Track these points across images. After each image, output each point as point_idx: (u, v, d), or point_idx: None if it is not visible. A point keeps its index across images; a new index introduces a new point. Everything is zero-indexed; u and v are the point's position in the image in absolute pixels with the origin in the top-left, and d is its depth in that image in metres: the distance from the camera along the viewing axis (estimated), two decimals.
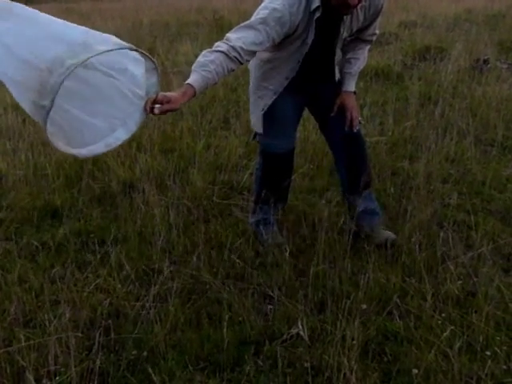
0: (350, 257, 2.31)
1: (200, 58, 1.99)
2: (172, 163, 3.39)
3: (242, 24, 2.11)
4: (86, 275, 2.34)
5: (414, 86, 4.77)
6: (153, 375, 1.72)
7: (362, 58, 2.45)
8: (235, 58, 2.02)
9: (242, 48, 2.02)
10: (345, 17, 2.18)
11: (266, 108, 2.39)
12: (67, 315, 1.94)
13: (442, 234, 2.53)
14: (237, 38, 2.04)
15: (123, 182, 3.19)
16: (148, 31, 8.52)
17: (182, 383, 1.76)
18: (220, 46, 2.02)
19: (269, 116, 2.43)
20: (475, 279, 2.21)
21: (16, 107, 4.56)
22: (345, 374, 1.68)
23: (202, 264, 2.33)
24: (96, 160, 3.36)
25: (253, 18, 2.11)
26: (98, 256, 2.45)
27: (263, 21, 2.07)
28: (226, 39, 2.05)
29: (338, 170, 2.65)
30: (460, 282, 2.19)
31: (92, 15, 11.45)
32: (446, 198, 2.93)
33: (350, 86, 2.45)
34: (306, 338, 1.90)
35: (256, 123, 2.47)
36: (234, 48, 2.01)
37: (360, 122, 2.49)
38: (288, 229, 2.63)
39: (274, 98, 2.36)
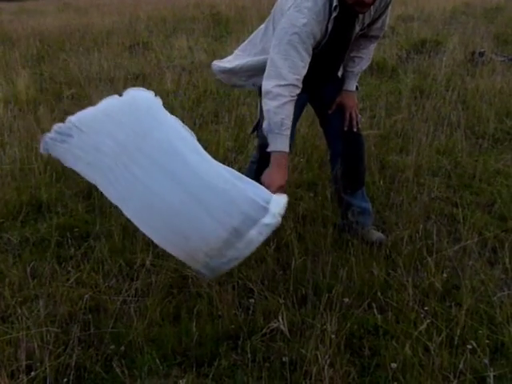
0: (334, 250, 2.28)
1: (274, 118, 2.01)
2: None
3: (281, 44, 2.04)
4: (67, 270, 2.31)
5: (408, 80, 4.73)
6: (120, 375, 1.71)
7: (366, 58, 2.41)
8: (298, 94, 2.05)
9: (297, 80, 2.04)
10: (360, 15, 2.13)
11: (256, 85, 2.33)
12: (42, 310, 1.92)
13: (429, 227, 2.50)
14: (288, 72, 2.02)
15: None
16: (144, 26, 8.49)
17: (157, 378, 1.74)
18: (281, 94, 2.01)
19: None
20: (460, 272, 2.18)
21: (7, 101, 4.55)
22: (323, 367, 1.66)
23: None
24: None
25: (287, 36, 2.03)
26: (82, 250, 2.43)
27: (300, 39, 2.03)
28: (279, 78, 2.02)
29: (332, 167, 2.59)
30: (445, 275, 2.16)
31: (89, 10, 11.42)
32: (435, 190, 2.89)
33: (351, 85, 2.42)
34: (287, 331, 1.87)
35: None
36: (294, 86, 2.03)
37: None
38: None
39: None
